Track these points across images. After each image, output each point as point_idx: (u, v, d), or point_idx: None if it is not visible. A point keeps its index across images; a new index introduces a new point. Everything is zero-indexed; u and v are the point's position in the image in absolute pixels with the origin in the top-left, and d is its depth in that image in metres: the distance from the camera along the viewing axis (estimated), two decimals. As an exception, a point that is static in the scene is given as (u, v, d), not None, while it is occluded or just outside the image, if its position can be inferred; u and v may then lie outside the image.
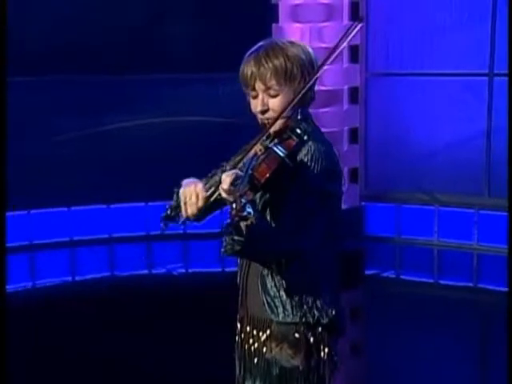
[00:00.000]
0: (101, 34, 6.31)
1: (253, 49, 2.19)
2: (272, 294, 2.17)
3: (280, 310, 2.17)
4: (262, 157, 2.04)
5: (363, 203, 6.68)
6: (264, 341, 2.21)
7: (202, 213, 2.16)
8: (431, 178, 6.54)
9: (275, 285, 2.17)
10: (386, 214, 6.66)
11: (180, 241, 6.40)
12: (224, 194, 2.02)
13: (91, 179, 6.34)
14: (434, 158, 6.54)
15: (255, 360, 2.24)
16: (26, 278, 5.82)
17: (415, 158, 6.58)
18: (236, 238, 1.97)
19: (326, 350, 2.19)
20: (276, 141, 2.09)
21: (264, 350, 2.21)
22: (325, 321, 2.17)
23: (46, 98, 6.27)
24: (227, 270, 6.05)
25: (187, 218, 2.14)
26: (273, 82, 2.14)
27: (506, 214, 5.98)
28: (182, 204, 2.12)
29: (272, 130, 2.14)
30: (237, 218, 1.95)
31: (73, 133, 6.43)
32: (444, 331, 4.74)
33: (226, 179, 2.00)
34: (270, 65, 2.13)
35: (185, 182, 2.17)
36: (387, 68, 6.65)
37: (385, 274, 5.92)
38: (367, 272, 6.20)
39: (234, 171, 2.03)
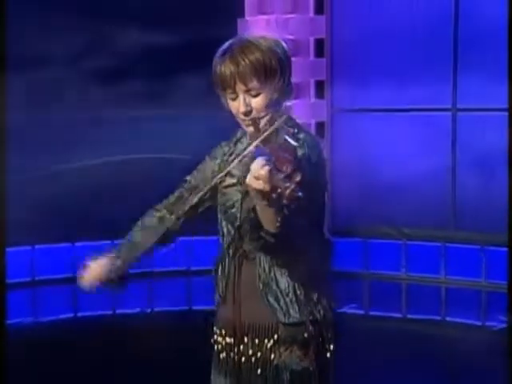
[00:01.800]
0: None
1: (223, 47, 2.06)
2: (276, 294, 2.08)
3: (285, 309, 2.08)
4: (274, 149, 1.80)
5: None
6: (271, 347, 2.10)
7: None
8: (398, 212, 6.56)
9: (277, 285, 2.08)
10: (353, 249, 6.65)
11: (145, 279, 6.30)
12: (259, 185, 1.73)
13: (55, 217, 6.24)
14: (400, 192, 6.57)
15: (259, 371, 2.11)
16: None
17: (381, 193, 6.61)
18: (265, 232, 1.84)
19: (332, 347, 2.13)
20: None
21: (272, 356, 2.09)
22: (330, 315, 2.11)
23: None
24: (194, 307, 5.98)
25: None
26: (254, 83, 2.03)
27: (473, 246, 6.01)
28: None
29: (262, 125, 1.89)
30: (288, 202, 1.74)
31: (32, 172, 6.35)
32: (413, 366, 4.70)
33: (264, 167, 1.71)
34: (248, 61, 2.01)
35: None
36: (352, 104, 6.71)
37: (353, 310, 5.88)
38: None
39: (262, 158, 1.74)
